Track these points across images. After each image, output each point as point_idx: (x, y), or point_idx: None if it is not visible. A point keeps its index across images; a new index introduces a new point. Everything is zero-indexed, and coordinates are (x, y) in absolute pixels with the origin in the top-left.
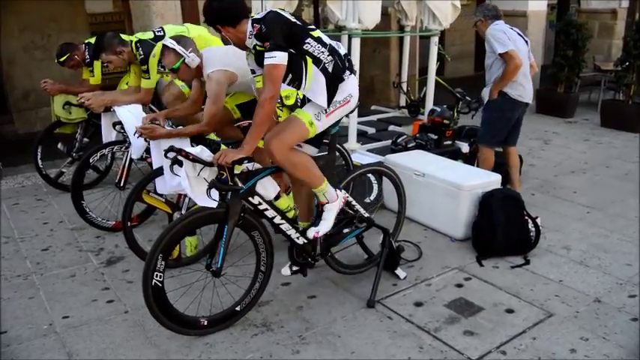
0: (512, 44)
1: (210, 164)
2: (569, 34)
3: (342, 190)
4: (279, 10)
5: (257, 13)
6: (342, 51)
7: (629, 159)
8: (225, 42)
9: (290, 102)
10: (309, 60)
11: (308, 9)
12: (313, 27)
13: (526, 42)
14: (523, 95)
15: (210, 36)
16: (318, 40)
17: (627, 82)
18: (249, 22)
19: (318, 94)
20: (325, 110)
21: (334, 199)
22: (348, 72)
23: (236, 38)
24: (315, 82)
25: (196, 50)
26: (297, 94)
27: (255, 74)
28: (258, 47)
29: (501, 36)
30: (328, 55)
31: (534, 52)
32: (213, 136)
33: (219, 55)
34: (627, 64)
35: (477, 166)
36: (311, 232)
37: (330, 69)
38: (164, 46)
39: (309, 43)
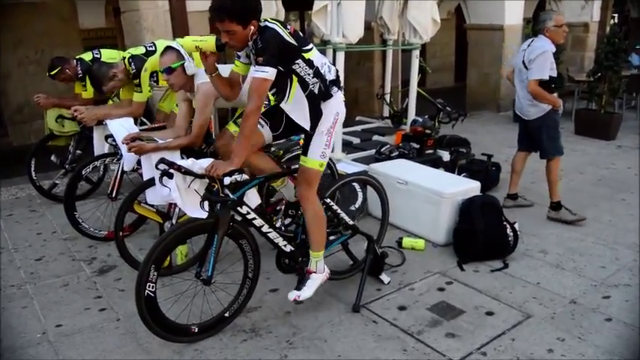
0: (512, 60)
1: (201, 176)
2: None
3: (328, 269)
4: (277, 28)
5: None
6: (329, 76)
7: (602, 165)
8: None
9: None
10: (295, 79)
11: (295, 23)
12: (309, 47)
13: (523, 60)
14: (516, 104)
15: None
16: (308, 62)
17: (599, 92)
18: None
19: (301, 118)
20: (326, 144)
21: (321, 272)
22: (335, 88)
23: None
24: (298, 104)
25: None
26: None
27: (239, 58)
28: (253, 53)
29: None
30: (313, 77)
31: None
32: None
33: None
34: (599, 75)
35: None
36: (292, 295)
37: (315, 91)
38: (168, 46)
39: (298, 64)
